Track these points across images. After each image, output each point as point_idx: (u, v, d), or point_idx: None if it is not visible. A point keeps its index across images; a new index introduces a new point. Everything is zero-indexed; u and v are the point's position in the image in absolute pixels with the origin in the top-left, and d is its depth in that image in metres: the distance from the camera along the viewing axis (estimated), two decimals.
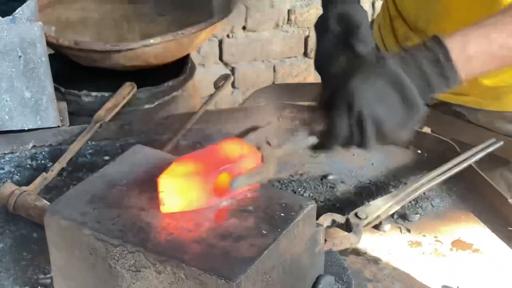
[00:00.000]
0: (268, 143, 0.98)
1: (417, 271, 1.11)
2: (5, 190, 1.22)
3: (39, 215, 1.14)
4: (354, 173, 1.36)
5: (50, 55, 1.51)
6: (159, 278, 0.85)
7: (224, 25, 2.59)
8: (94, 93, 1.78)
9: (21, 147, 1.42)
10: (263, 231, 0.88)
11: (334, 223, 1.12)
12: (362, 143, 1.01)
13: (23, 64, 1.43)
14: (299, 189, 1.30)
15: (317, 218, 1.00)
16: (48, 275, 1.07)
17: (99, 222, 0.90)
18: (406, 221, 1.22)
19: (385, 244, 1.17)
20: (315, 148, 1.05)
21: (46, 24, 1.64)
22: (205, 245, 0.86)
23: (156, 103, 1.83)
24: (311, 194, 1.29)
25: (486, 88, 1.51)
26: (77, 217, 0.91)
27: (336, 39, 1.15)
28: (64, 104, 1.56)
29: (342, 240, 1.08)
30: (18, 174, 1.36)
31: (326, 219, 1.12)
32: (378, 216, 1.17)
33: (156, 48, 1.78)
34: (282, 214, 0.91)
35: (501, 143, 1.36)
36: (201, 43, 2.18)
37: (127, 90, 1.68)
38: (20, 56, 1.43)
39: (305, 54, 3.01)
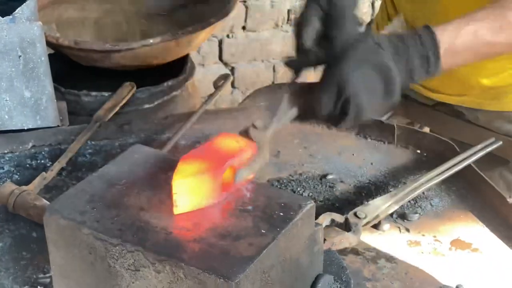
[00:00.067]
0: (254, 126, 0.99)
1: (416, 271, 1.11)
2: (4, 190, 1.22)
3: (38, 214, 1.15)
4: (353, 173, 1.36)
5: (50, 55, 1.51)
6: (158, 277, 0.85)
7: (223, 25, 2.59)
8: (93, 93, 1.78)
9: (20, 147, 1.42)
10: (262, 231, 0.88)
11: (333, 223, 1.13)
12: (338, 123, 1.05)
13: (23, 64, 1.43)
14: (299, 189, 1.30)
15: (316, 218, 1.00)
16: (47, 274, 1.08)
17: (98, 221, 0.90)
18: (405, 220, 1.23)
19: (384, 244, 1.17)
20: (296, 119, 1.08)
21: (46, 24, 1.64)
22: (204, 244, 0.86)
23: (155, 102, 1.83)
24: (310, 194, 1.29)
25: (485, 88, 1.51)
26: (76, 216, 0.91)
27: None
28: (63, 104, 1.57)
29: (341, 239, 1.08)
30: (18, 173, 1.36)
31: (325, 219, 1.12)
32: (377, 216, 1.17)
33: (156, 48, 1.78)
34: (281, 214, 0.91)
35: (500, 142, 1.37)
36: (200, 43, 2.18)
37: (127, 90, 1.68)
38: (19, 56, 1.43)
39: None
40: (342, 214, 1.14)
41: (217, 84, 1.61)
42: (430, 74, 1.07)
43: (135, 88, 1.71)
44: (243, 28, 2.92)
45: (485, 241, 1.18)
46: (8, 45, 1.41)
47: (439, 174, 1.27)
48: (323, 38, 1.07)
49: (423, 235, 1.19)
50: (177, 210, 0.91)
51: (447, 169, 1.28)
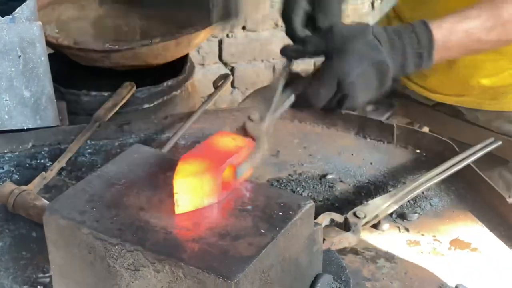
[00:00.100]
0: (250, 118, 0.99)
1: (416, 270, 1.11)
2: (4, 189, 1.22)
3: (38, 214, 1.15)
4: (353, 173, 1.36)
5: (49, 55, 1.51)
6: (158, 277, 0.86)
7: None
8: (93, 93, 1.78)
9: (20, 147, 1.42)
10: (262, 230, 0.88)
11: (332, 222, 1.13)
12: (333, 112, 1.10)
13: (23, 64, 1.44)
14: (298, 189, 1.30)
15: (315, 217, 1.00)
16: (47, 274, 1.08)
17: (98, 221, 0.90)
18: (404, 220, 1.23)
19: (383, 243, 1.17)
20: (293, 107, 1.11)
21: (46, 24, 1.64)
22: (204, 244, 0.86)
23: (155, 102, 1.83)
24: (310, 194, 1.29)
25: (485, 88, 1.51)
26: (76, 216, 0.91)
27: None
28: (63, 104, 1.57)
29: (341, 239, 1.08)
30: (18, 173, 1.36)
31: (324, 218, 1.12)
32: (376, 216, 1.17)
33: (156, 47, 1.78)
34: (281, 213, 0.91)
35: (500, 142, 1.37)
36: (200, 43, 2.18)
37: (127, 90, 1.68)
38: (19, 56, 1.43)
39: None
40: (342, 214, 1.14)
41: (217, 84, 1.61)
42: (421, 68, 1.11)
43: (135, 88, 1.71)
44: (243, 28, 2.92)
45: (485, 241, 1.18)
46: (8, 45, 1.42)
47: (439, 174, 1.27)
48: (310, 18, 1.10)
49: (423, 234, 1.19)
50: (178, 210, 0.91)
51: (447, 169, 1.28)
